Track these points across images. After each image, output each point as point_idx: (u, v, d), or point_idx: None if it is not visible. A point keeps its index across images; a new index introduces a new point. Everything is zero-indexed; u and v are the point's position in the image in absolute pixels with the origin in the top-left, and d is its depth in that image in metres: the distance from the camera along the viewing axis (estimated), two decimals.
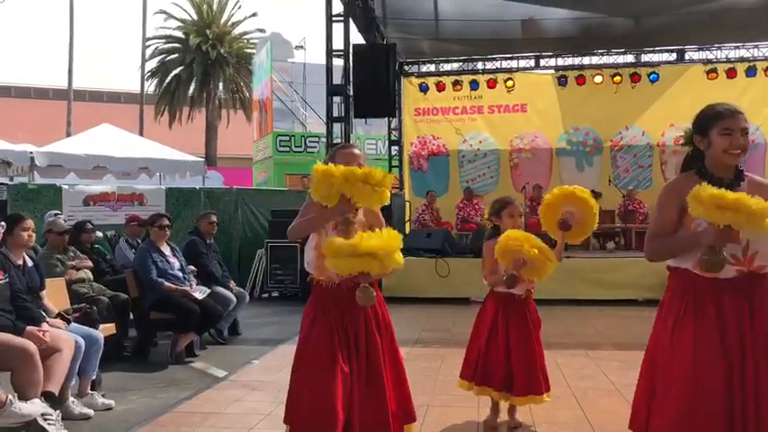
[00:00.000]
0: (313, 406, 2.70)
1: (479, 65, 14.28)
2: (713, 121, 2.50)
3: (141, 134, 20.90)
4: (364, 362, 2.83)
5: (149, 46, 28.39)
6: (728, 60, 13.18)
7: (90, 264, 6.36)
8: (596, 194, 12.68)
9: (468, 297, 8.98)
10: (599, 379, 5.11)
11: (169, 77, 28.22)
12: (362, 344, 2.85)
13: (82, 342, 4.29)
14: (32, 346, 3.82)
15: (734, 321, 2.38)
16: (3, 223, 4.45)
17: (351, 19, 11.19)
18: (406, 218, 13.25)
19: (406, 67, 14.31)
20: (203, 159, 14.57)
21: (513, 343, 3.79)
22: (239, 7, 36.31)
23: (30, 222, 4.53)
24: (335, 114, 11.35)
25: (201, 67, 27.23)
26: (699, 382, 2.35)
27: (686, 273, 2.49)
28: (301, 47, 22.11)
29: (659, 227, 2.56)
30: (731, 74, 12.93)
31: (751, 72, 12.95)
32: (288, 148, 20.27)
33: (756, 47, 13.13)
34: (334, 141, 11.32)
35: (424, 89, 14.11)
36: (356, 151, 3.00)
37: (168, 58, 28.61)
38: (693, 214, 2.31)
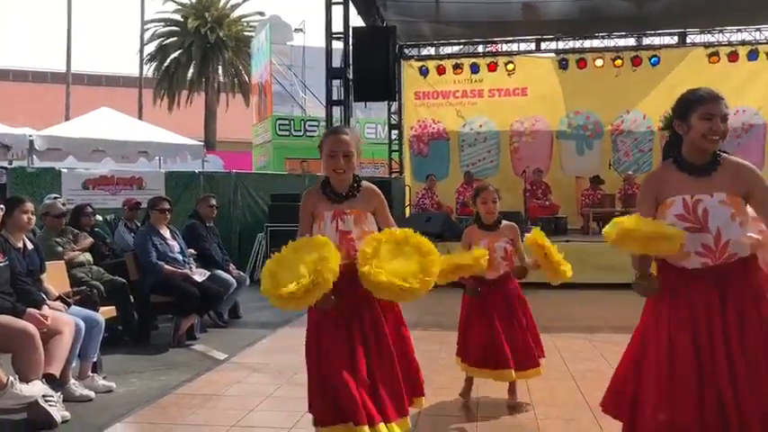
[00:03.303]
0: (335, 396, 2.73)
1: (480, 48, 14.20)
2: (694, 105, 2.48)
3: (140, 118, 20.84)
4: (373, 340, 2.85)
5: (148, 29, 28.25)
6: (730, 44, 13.10)
7: (91, 240, 6.37)
8: (599, 180, 12.64)
9: None
10: (597, 362, 5.13)
11: (168, 61, 28.06)
12: (367, 325, 2.87)
13: (82, 324, 4.30)
14: (33, 329, 3.83)
15: (702, 309, 2.44)
16: (2, 206, 4.44)
17: (350, 1, 11.12)
18: (406, 202, 13.26)
19: (406, 51, 14.23)
20: (202, 143, 14.53)
21: (497, 323, 3.84)
22: None
23: (29, 205, 4.52)
24: (335, 98, 11.32)
25: (200, 51, 27.06)
26: (674, 365, 2.43)
27: (664, 263, 2.60)
28: (300, 30, 21.92)
29: None
30: (733, 57, 12.86)
31: (753, 55, 12.86)
32: (287, 132, 20.18)
33: (758, 30, 13.04)
34: (334, 125, 11.30)
35: (424, 72, 14.03)
36: (343, 137, 2.84)
37: (167, 41, 28.44)
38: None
